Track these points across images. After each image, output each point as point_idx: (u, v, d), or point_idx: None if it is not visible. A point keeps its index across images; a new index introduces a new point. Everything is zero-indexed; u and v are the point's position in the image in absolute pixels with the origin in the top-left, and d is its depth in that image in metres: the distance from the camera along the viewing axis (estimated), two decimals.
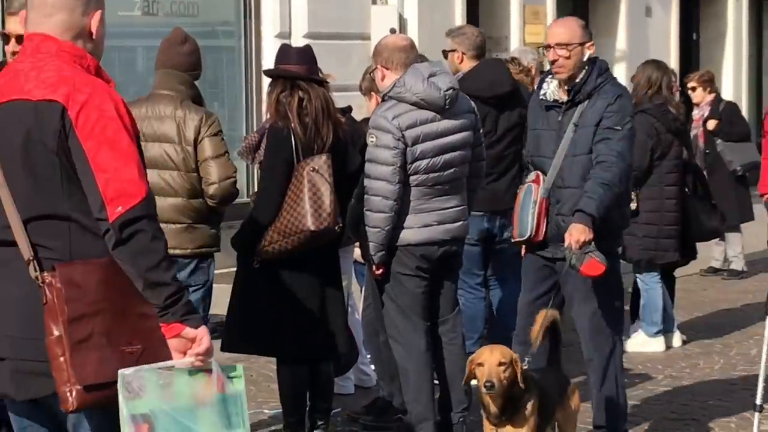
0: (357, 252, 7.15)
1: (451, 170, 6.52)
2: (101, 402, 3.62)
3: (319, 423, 6.63)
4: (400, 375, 6.68)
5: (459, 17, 13.59)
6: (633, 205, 8.95)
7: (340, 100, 6.80)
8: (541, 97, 6.53)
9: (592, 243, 6.08)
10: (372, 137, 6.37)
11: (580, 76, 6.35)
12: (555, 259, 6.42)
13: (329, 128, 6.34)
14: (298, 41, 10.68)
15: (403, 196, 6.38)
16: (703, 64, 18.06)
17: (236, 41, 12.23)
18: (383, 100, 6.53)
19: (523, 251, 6.63)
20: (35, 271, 3.59)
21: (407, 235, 6.44)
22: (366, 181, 6.39)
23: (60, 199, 3.61)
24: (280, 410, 6.78)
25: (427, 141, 6.41)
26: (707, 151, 11.73)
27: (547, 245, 6.44)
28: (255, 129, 8.93)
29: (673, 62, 16.98)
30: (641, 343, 9.12)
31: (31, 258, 3.60)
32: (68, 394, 3.55)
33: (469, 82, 7.70)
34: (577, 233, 6.06)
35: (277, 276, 6.34)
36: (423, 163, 6.41)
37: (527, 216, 6.39)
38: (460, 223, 6.62)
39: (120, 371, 3.53)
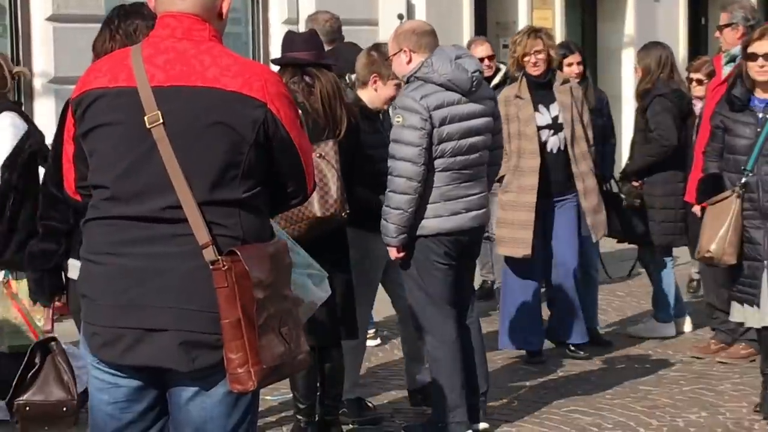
0: None
1: (476, 154, 6.49)
2: (270, 383, 3.73)
3: (331, 409, 6.59)
4: (430, 365, 6.62)
5: (467, 2, 13.55)
6: (637, 201, 8.93)
7: None
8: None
9: None
10: (399, 117, 6.33)
11: None
12: None
13: (343, 112, 6.32)
14: (305, 27, 10.65)
15: (432, 182, 6.34)
16: (712, 49, 17.97)
17: (243, 28, 12.20)
18: (407, 82, 6.49)
19: None
20: (214, 255, 3.56)
21: (437, 224, 6.40)
22: (390, 162, 6.34)
23: (237, 187, 3.64)
24: (289, 397, 6.76)
25: (453, 123, 6.38)
26: None
27: None
28: None
29: (682, 48, 16.92)
30: (652, 328, 9.09)
31: (209, 242, 3.58)
32: (248, 374, 3.56)
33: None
34: None
35: None
36: (449, 146, 6.38)
37: None
38: (484, 210, 6.61)
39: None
